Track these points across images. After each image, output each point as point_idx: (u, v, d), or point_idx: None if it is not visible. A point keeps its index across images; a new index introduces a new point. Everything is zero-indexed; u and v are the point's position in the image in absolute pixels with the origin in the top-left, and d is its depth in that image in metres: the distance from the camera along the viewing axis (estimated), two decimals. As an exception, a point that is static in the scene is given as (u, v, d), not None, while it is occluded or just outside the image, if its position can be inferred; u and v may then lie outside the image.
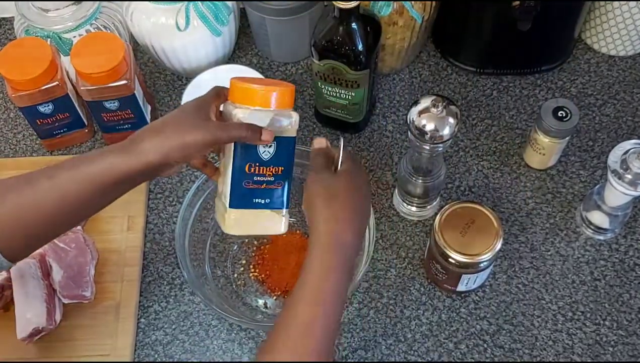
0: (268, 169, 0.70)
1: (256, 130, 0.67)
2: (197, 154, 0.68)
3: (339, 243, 0.66)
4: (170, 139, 0.65)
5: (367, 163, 0.98)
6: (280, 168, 0.71)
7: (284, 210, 0.72)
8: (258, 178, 0.70)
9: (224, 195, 0.71)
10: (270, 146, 0.70)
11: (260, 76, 0.99)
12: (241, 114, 0.68)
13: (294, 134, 0.71)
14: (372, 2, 0.90)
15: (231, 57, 1.08)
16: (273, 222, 0.72)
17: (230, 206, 0.70)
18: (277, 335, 0.64)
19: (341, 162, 0.71)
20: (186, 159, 0.68)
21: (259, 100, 0.68)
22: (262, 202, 0.71)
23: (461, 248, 0.79)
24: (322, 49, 0.86)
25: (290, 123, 0.70)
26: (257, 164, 0.70)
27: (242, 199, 0.70)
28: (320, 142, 0.74)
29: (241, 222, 0.71)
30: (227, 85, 0.90)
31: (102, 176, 0.65)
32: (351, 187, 0.69)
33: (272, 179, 0.71)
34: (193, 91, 0.99)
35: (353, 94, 0.91)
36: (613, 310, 0.86)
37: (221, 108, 0.71)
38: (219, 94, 0.71)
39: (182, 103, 0.97)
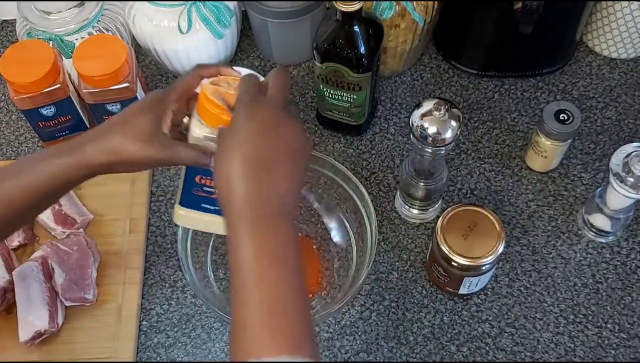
0: None
1: (208, 156, 0.64)
2: (140, 167, 0.65)
3: (267, 211, 0.56)
4: (112, 144, 0.63)
5: (369, 165, 0.98)
6: None
7: None
8: (208, 189, 0.71)
9: (179, 190, 0.72)
10: None
11: (261, 78, 0.99)
12: (198, 133, 0.66)
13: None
14: (374, 4, 0.90)
15: (233, 60, 1.08)
16: (217, 224, 0.71)
17: (180, 204, 0.72)
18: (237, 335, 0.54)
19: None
20: (131, 169, 0.65)
21: (223, 122, 0.64)
22: (210, 207, 0.72)
23: (463, 251, 0.79)
24: (324, 51, 0.87)
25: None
26: (208, 178, 0.71)
27: (191, 201, 0.72)
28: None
29: (188, 219, 0.72)
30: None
31: (45, 183, 0.64)
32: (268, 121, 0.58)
33: None
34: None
35: (355, 97, 0.91)
36: (615, 312, 0.86)
37: (185, 120, 0.68)
38: (180, 97, 0.67)
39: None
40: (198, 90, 0.68)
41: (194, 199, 0.72)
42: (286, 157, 0.59)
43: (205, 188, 0.71)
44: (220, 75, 0.70)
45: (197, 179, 0.71)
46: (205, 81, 0.68)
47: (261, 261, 0.54)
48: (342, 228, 0.90)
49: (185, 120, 0.70)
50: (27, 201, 0.65)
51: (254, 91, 0.62)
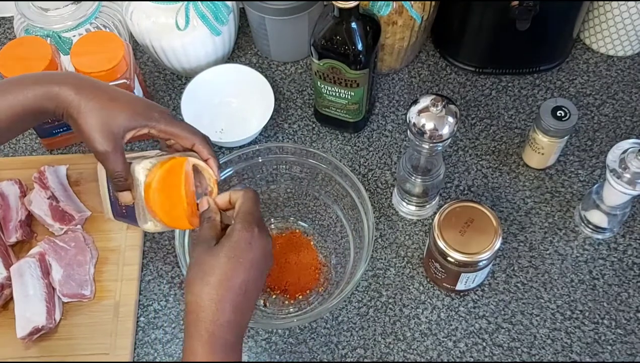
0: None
1: (124, 186, 0.70)
2: (80, 137, 0.69)
3: (215, 335, 0.63)
4: (90, 104, 0.67)
5: (367, 162, 0.98)
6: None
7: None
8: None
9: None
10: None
11: (262, 77, 0.99)
12: (139, 173, 0.70)
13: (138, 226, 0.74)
14: (371, 1, 0.90)
15: (231, 57, 1.08)
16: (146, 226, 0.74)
17: (112, 216, 0.78)
18: None
19: (235, 219, 0.68)
20: (75, 130, 0.69)
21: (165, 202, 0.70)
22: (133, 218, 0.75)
23: (460, 247, 0.79)
24: (321, 48, 0.87)
25: (146, 228, 0.73)
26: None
27: (118, 213, 0.77)
28: (201, 204, 0.72)
29: (122, 221, 0.78)
30: (225, 84, 0.92)
31: (24, 108, 0.67)
32: (232, 261, 0.65)
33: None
34: (192, 91, 0.99)
35: (352, 94, 0.92)
36: (611, 309, 0.86)
37: (135, 166, 0.71)
38: (167, 133, 0.71)
39: (181, 103, 0.97)
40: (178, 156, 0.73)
41: (119, 211, 0.76)
42: (255, 290, 0.67)
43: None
44: (204, 163, 0.74)
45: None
46: (189, 164, 0.72)
47: None
48: (340, 224, 0.90)
49: (155, 153, 0.74)
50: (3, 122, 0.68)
51: (255, 217, 0.68)
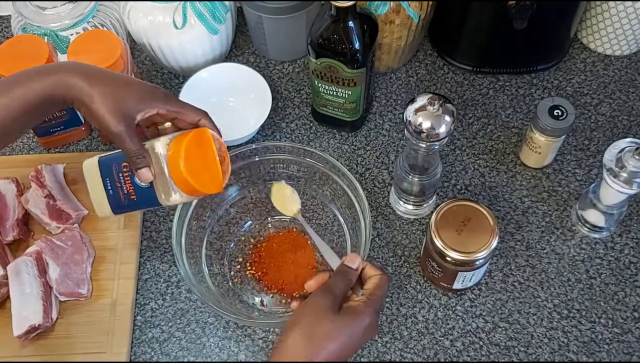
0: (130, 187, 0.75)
1: (142, 159, 0.70)
2: (94, 122, 0.70)
3: None
4: (94, 93, 0.68)
5: (364, 161, 0.98)
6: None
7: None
8: (120, 181, 0.75)
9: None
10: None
11: (259, 76, 0.99)
12: (158, 148, 0.71)
13: (161, 204, 0.74)
14: (368, 0, 0.90)
15: (228, 56, 1.08)
16: None
17: (98, 160, 0.75)
18: None
19: (366, 295, 0.70)
20: (88, 116, 0.70)
21: (184, 187, 0.72)
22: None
23: (457, 246, 0.79)
24: (318, 47, 0.87)
25: (172, 200, 0.73)
26: (130, 175, 0.74)
27: (105, 168, 0.75)
28: (352, 260, 0.73)
29: (90, 174, 0.76)
30: (223, 83, 0.93)
31: (30, 101, 0.68)
32: (347, 336, 0.66)
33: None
34: (190, 89, 0.99)
35: (350, 93, 0.92)
36: (608, 308, 0.86)
37: (154, 143, 0.72)
38: (174, 112, 0.73)
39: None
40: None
41: (108, 170, 0.75)
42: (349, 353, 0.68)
43: (120, 176, 0.74)
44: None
45: (123, 165, 0.74)
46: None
47: None
48: (337, 223, 0.90)
49: (167, 124, 0.75)
50: (10, 118, 0.68)
51: (373, 297, 0.70)
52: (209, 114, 0.76)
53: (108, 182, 0.74)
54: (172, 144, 0.72)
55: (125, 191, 0.73)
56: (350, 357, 0.70)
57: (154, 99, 0.72)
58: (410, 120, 0.78)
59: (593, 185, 0.88)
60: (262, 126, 0.99)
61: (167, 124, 0.76)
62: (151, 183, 0.72)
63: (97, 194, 0.75)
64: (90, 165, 0.75)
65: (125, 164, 0.73)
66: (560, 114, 0.88)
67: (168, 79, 1.08)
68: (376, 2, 0.90)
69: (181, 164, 0.70)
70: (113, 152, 0.75)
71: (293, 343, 0.65)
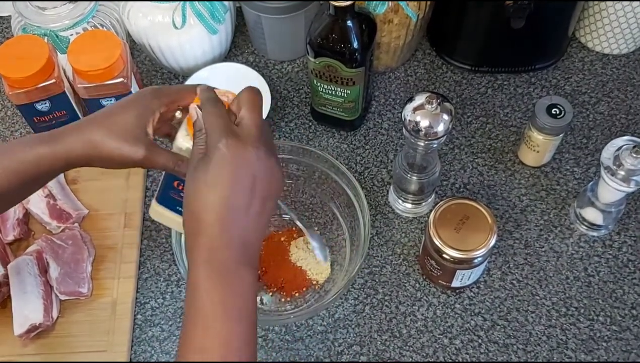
0: None
1: (184, 166, 0.64)
2: (116, 165, 0.65)
3: (221, 266, 0.57)
4: (93, 137, 0.63)
5: (363, 160, 0.98)
6: None
7: None
8: (183, 194, 0.69)
9: (159, 187, 0.73)
10: None
11: (258, 76, 0.99)
12: (182, 143, 0.67)
13: None
14: (367, 0, 0.91)
15: (227, 56, 1.09)
16: None
17: (157, 201, 0.72)
18: None
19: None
20: (107, 165, 0.65)
21: None
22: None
23: (455, 244, 0.80)
24: (317, 46, 0.87)
25: None
26: (184, 184, 0.69)
27: (167, 201, 0.72)
28: (192, 114, 0.63)
29: (162, 216, 0.73)
30: (222, 83, 0.90)
31: (26, 169, 0.64)
32: (230, 177, 0.58)
33: None
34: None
35: (348, 92, 0.92)
36: (607, 305, 0.87)
37: (175, 143, 0.67)
38: (171, 102, 0.68)
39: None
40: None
41: (170, 200, 0.72)
42: (257, 202, 0.59)
43: (181, 194, 0.70)
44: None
45: (175, 183, 0.71)
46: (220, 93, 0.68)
47: (217, 310, 0.56)
48: (336, 222, 0.91)
49: (178, 113, 0.71)
50: (7, 185, 0.65)
51: (226, 122, 0.60)
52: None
53: (178, 208, 0.71)
54: (186, 129, 0.67)
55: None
56: (265, 201, 0.59)
57: (149, 103, 0.67)
58: (408, 119, 0.78)
59: (591, 183, 0.89)
60: (262, 125, 0.99)
61: (177, 113, 0.71)
62: None
63: (179, 226, 0.71)
64: (156, 211, 0.72)
65: (176, 181, 0.70)
66: (558, 112, 0.88)
67: (168, 78, 1.08)
68: (375, 2, 0.91)
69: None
70: (159, 184, 0.72)
71: (192, 224, 0.58)
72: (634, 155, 0.78)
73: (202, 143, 0.61)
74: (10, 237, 0.90)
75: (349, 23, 0.84)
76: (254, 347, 0.58)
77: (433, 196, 0.94)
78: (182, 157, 0.66)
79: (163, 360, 0.85)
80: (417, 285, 0.89)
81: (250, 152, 0.59)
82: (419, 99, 0.78)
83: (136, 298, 0.89)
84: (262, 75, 1.00)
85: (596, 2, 1.01)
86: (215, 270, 0.56)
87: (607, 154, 0.81)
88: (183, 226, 0.60)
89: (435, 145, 0.81)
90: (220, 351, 0.55)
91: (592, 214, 0.89)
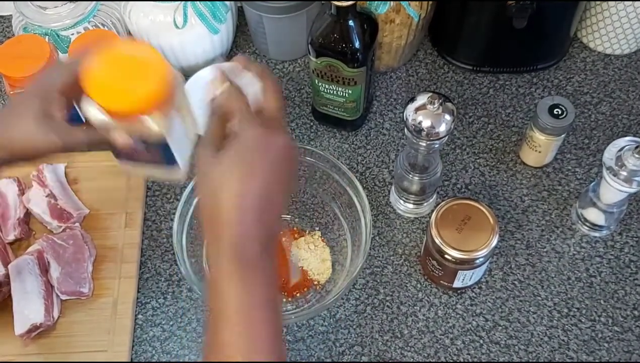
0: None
1: (112, 137, 0.60)
2: (39, 155, 0.62)
3: (245, 258, 0.55)
4: (3, 143, 0.60)
5: (364, 160, 0.98)
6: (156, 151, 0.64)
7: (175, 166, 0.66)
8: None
9: None
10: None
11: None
12: (93, 116, 0.60)
13: (159, 137, 0.62)
14: (369, 0, 0.91)
15: (229, 55, 1.08)
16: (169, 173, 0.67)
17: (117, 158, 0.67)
18: None
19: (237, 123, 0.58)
20: (30, 158, 0.62)
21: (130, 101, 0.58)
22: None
23: (457, 244, 0.80)
24: (319, 46, 0.87)
25: (152, 129, 0.60)
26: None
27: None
28: (209, 91, 0.62)
29: (133, 171, 0.69)
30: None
31: None
32: (245, 167, 0.55)
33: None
34: (190, 89, 0.99)
35: (350, 92, 0.92)
36: (608, 306, 0.86)
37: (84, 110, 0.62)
38: (61, 80, 0.62)
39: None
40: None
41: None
42: (279, 194, 0.57)
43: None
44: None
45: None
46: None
47: (244, 307, 0.54)
48: (337, 222, 0.91)
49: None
50: None
51: (248, 110, 0.59)
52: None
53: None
54: (94, 102, 0.60)
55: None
56: (281, 186, 0.58)
57: (47, 86, 0.62)
58: (410, 119, 0.78)
59: (593, 183, 0.88)
60: (263, 125, 0.99)
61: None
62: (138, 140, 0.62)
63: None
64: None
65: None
66: (560, 112, 0.88)
67: (169, 78, 1.08)
68: (376, 2, 0.90)
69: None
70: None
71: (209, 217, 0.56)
72: (636, 156, 0.78)
73: (216, 128, 0.59)
74: (11, 237, 0.90)
75: (351, 23, 0.84)
76: (281, 339, 0.56)
77: (434, 196, 0.94)
78: (104, 129, 0.61)
79: (164, 360, 0.85)
80: (419, 285, 0.89)
81: (284, 139, 0.58)
82: (421, 99, 0.78)
83: (137, 298, 0.89)
84: (264, 75, 0.99)
85: (598, 2, 1.01)
86: (238, 269, 0.55)
87: (609, 154, 0.81)
88: (203, 226, 0.57)
89: (437, 146, 0.80)
90: (249, 346, 0.54)
91: (594, 215, 0.89)
